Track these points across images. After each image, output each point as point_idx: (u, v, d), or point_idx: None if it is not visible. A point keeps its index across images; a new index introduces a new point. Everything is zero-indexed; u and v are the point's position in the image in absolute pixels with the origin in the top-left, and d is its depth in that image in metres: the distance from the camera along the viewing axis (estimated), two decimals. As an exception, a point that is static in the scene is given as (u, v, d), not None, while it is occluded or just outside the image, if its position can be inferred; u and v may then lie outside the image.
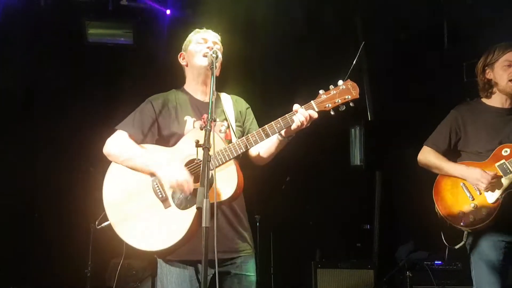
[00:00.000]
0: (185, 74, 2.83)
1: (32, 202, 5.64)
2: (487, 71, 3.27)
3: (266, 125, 2.48)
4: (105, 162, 2.61)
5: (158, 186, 2.48)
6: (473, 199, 3.07)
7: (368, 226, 6.30)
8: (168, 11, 5.67)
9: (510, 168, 3.03)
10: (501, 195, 3.03)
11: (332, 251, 5.89)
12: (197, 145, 2.22)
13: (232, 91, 2.90)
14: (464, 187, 3.13)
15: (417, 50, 5.75)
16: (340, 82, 2.47)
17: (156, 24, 5.74)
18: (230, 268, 2.54)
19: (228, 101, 2.78)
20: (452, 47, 5.64)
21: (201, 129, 2.25)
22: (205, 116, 2.63)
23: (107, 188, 2.55)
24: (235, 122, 2.71)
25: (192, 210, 2.39)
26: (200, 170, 2.17)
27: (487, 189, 3.04)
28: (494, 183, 3.02)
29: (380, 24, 5.65)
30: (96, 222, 2.59)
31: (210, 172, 2.17)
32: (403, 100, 5.74)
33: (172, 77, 3.01)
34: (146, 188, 2.50)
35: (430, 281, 4.87)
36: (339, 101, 2.45)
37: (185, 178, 2.39)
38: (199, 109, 2.69)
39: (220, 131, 2.62)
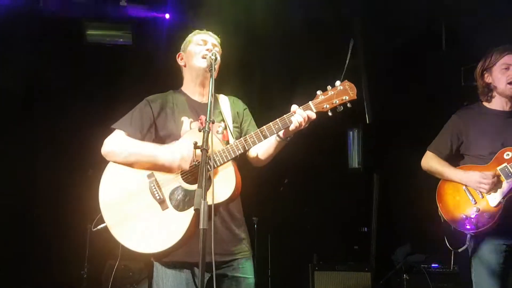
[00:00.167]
0: (182, 75, 2.83)
1: (31, 202, 5.62)
2: (485, 75, 3.29)
3: (264, 126, 2.48)
4: (105, 163, 2.58)
5: (155, 187, 2.46)
6: (476, 203, 3.08)
7: (366, 229, 6.30)
8: (167, 15, 5.68)
9: None
10: (503, 198, 3.03)
11: (329, 254, 5.87)
12: (196, 146, 2.22)
13: (231, 92, 2.90)
14: (467, 190, 3.14)
15: (416, 51, 5.75)
16: (338, 82, 2.47)
17: (155, 25, 5.75)
18: (227, 270, 2.53)
19: (225, 102, 2.78)
20: (450, 50, 5.64)
21: (199, 131, 2.23)
22: (202, 117, 2.64)
23: (104, 190, 2.51)
24: (233, 123, 2.71)
25: (190, 212, 2.38)
26: (198, 172, 2.16)
27: (489, 191, 3.05)
28: (496, 184, 3.04)
29: (380, 25, 5.65)
30: (92, 224, 2.55)
31: (208, 173, 2.16)
32: (402, 100, 5.74)
33: (170, 77, 3.01)
34: (143, 189, 2.48)
35: (427, 284, 4.87)
36: (337, 101, 2.45)
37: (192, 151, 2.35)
38: (196, 110, 2.69)
39: (217, 132, 2.62)
